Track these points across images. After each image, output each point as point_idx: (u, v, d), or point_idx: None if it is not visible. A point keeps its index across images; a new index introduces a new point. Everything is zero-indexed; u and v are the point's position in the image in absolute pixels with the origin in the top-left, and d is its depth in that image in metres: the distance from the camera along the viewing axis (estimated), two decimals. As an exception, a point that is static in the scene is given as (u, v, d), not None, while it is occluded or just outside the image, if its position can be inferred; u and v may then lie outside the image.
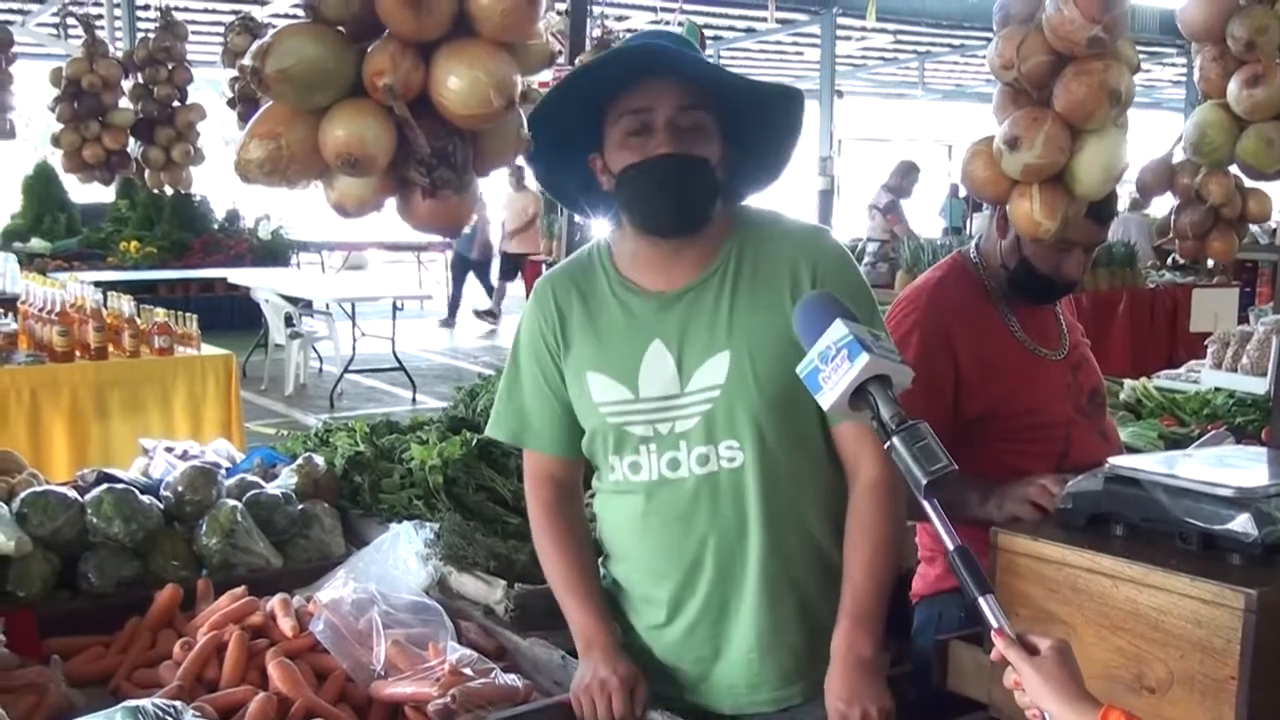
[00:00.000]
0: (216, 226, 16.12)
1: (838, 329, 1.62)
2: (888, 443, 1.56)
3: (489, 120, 1.69)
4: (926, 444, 1.54)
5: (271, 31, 1.61)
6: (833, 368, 1.60)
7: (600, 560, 2.31)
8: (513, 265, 15.83)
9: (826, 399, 1.62)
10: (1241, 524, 2.00)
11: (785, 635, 2.13)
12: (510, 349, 2.29)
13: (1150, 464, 2.25)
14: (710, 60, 2.09)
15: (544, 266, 13.20)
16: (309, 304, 11.28)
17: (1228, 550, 2.03)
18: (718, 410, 2.05)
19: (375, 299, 12.10)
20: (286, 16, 11.71)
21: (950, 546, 1.52)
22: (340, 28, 1.71)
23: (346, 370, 10.75)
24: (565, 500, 2.28)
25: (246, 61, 1.57)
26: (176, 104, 4.41)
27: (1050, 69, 2.35)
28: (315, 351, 11.77)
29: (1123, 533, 2.17)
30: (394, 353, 11.13)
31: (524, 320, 2.25)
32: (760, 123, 2.12)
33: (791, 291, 2.05)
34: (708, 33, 16.15)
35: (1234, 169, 3.05)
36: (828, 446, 2.15)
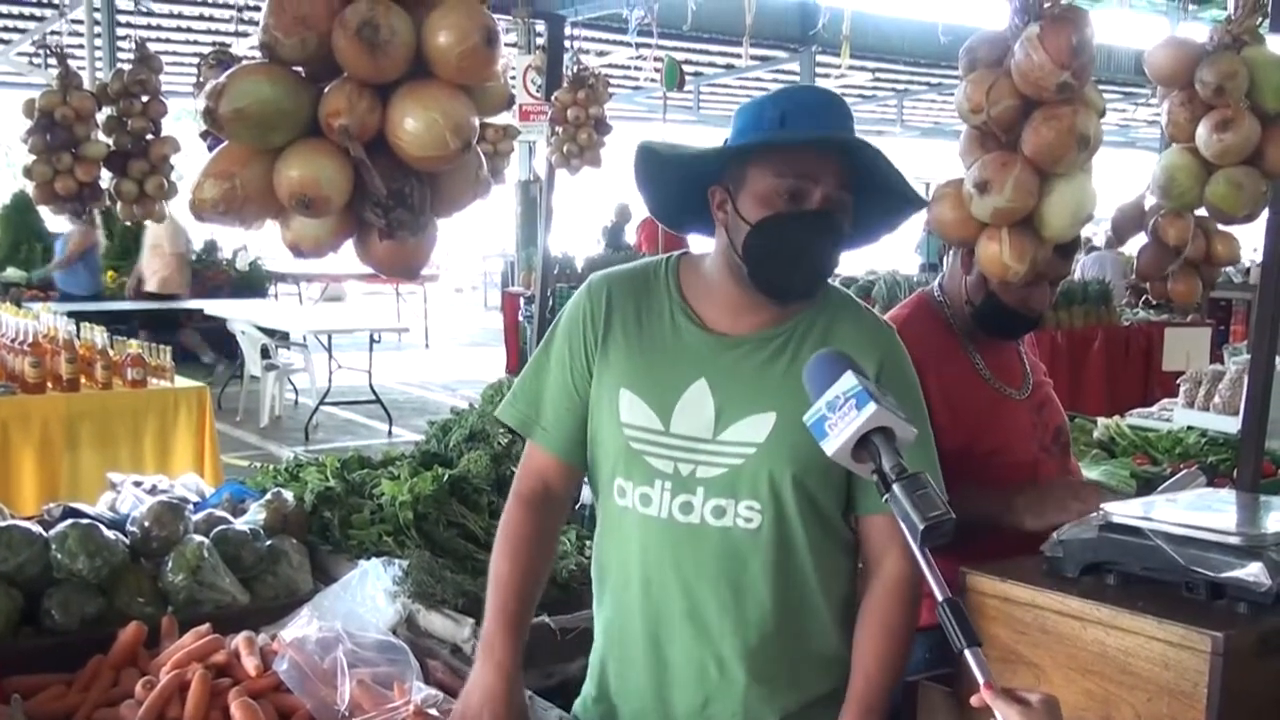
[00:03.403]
0: (194, 258, 16.05)
1: (848, 379, 1.65)
2: (887, 493, 1.58)
3: (446, 162, 1.69)
4: (926, 493, 1.56)
5: (227, 72, 1.61)
6: (839, 415, 1.63)
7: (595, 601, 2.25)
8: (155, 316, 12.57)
9: (831, 445, 1.63)
10: (1253, 573, 1.98)
11: (775, 704, 2.09)
12: (546, 335, 2.20)
13: (1140, 510, 2.24)
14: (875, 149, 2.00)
15: (521, 301, 13.17)
16: (285, 335, 11.24)
17: (1235, 599, 2.01)
18: (747, 468, 2.01)
19: (351, 331, 12.07)
20: (267, 49, 11.67)
21: (940, 598, 1.53)
22: (297, 68, 1.71)
23: (322, 402, 10.71)
24: (545, 504, 2.19)
25: (201, 101, 1.57)
26: (150, 137, 4.40)
27: (1019, 113, 2.36)
28: (291, 383, 11.72)
29: (1115, 581, 2.15)
30: (370, 385, 11.10)
31: (569, 308, 2.16)
32: (877, 209, 2.10)
33: None
34: (687, 69, 16.26)
35: (1201, 212, 3.07)
36: (848, 535, 2.13)
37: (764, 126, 2.00)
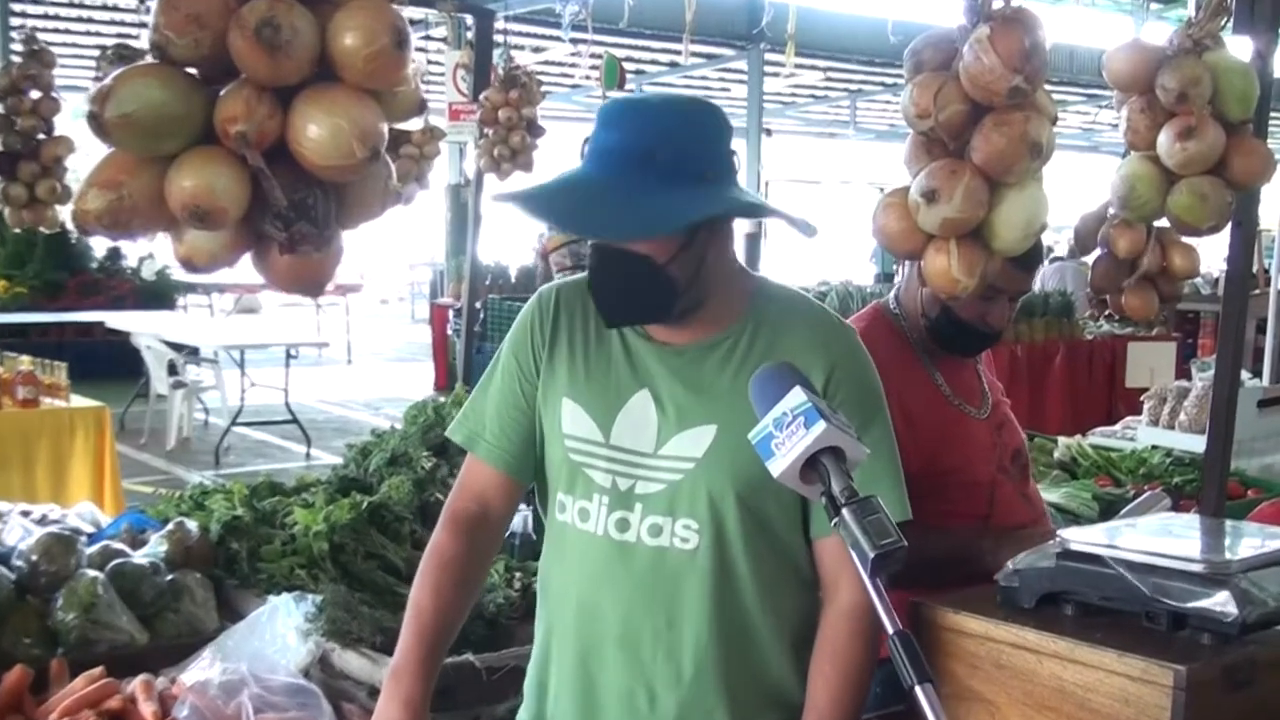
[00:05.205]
0: (95, 265, 15.85)
1: (796, 396, 1.63)
2: (836, 517, 1.57)
3: (352, 172, 1.68)
4: (877, 518, 1.54)
5: (113, 74, 1.58)
6: (787, 434, 1.61)
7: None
8: None
9: (778, 466, 1.62)
10: (1220, 602, 1.99)
11: None
12: (496, 352, 2.23)
13: (1100, 537, 2.25)
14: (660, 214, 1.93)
15: (451, 313, 13.13)
16: (195, 351, 11.13)
17: (1198, 630, 2.02)
18: (685, 484, 2.01)
19: (266, 346, 11.96)
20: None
21: (890, 630, 1.53)
22: (191, 70, 1.69)
23: (234, 423, 10.61)
24: (479, 526, 2.18)
25: (85, 106, 1.55)
26: (42, 136, 4.32)
27: (967, 119, 2.38)
28: (201, 402, 11.59)
29: (1073, 612, 2.16)
30: (287, 404, 11.01)
31: (518, 320, 2.20)
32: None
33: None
34: (629, 66, 16.30)
35: (1163, 222, 3.10)
36: (803, 560, 2.11)
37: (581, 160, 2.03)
